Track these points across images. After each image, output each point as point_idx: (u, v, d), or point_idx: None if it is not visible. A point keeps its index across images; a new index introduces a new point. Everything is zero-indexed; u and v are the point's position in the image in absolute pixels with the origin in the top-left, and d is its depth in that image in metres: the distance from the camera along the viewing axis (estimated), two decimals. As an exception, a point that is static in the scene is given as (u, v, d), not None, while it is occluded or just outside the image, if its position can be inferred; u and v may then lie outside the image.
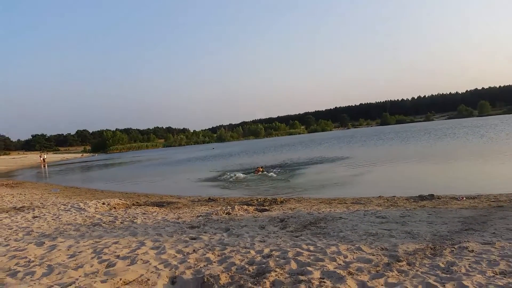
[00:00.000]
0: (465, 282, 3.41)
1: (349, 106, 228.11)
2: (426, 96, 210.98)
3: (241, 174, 19.33)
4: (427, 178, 13.98)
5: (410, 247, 4.72)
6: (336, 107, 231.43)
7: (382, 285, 3.52)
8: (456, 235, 5.29)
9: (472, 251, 4.42)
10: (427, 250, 4.60)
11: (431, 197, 9.34)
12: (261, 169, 20.27)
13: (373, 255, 4.47)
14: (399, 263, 4.12)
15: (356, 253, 4.62)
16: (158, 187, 17.99)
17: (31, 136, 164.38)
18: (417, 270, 3.86)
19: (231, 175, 19.39)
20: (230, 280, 3.90)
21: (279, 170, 20.58)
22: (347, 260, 4.35)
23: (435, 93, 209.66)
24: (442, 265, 3.97)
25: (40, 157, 66.06)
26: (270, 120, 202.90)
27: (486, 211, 6.99)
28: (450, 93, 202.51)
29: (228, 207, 8.96)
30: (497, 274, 3.62)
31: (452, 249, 4.57)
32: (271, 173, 18.99)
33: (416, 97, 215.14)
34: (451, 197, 9.22)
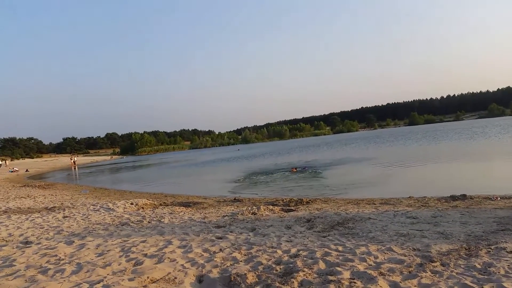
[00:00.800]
0: (505, 284, 3.22)
1: (375, 106, 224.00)
2: (456, 95, 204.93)
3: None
4: (458, 178, 13.52)
5: (444, 248, 4.53)
6: (362, 107, 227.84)
7: (415, 285, 3.38)
8: (492, 235, 5.05)
9: (511, 252, 4.20)
10: (462, 250, 4.40)
11: (464, 197, 9.01)
12: (295, 170, 20.70)
13: (405, 256, 4.31)
14: (433, 264, 3.96)
15: (387, 253, 4.47)
16: (185, 188, 18.15)
17: (62, 139, 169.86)
18: (451, 271, 3.69)
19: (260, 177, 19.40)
20: (257, 280, 3.84)
21: (307, 170, 20.48)
22: (377, 260, 4.21)
23: (465, 91, 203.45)
24: (479, 266, 3.78)
25: (71, 159, 68.25)
26: (294, 121, 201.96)
27: (523, 211, 6.66)
28: (481, 91, 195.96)
29: (254, 207, 8.92)
30: (540, 276, 3.41)
31: (489, 249, 4.35)
32: (303, 173, 19.03)
33: (445, 96, 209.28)
34: (484, 197, 8.86)
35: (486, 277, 3.49)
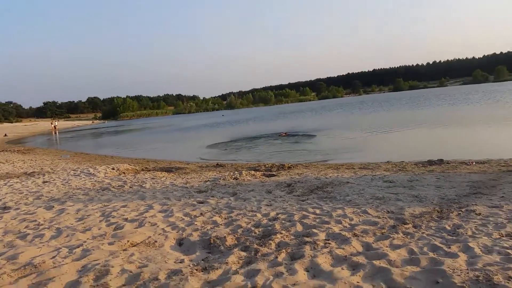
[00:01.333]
0: (470, 244, 3.38)
1: (362, 72, 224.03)
2: (442, 61, 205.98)
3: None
4: (437, 143, 13.83)
5: (417, 211, 4.70)
6: (348, 73, 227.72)
7: (387, 246, 3.52)
8: (464, 198, 5.25)
9: (479, 214, 4.39)
10: (434, 213, 4.58)
11: (440, 162, 9.25)
12: (284, 134, 21.08)
13: (379, 218, 4.46)
14: (405, 226, 4.11)
15: (362, 216, 4.62)
16: (167, 153, 18.10)
17: (43, 103, 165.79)
18: (423, 233, 3.85)
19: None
20: (236, 242, 3.94)
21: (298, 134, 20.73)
22: (352, 222, 4.36)
23: (451, 58, 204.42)
24: (448, 228, 3.95)
25: (51, 124, 66.78)
26: (280, 87, 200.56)
27: (495, 176, 6.91)
28: (466, 58, 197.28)
29: (236, 172, 9.00)
30: (503, 236, 3.58)
31: (459, 212, 4.53)
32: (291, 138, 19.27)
33: (431, 62, 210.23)
34: (461, 162, 9.11)
35: (454, 238, 3.65)
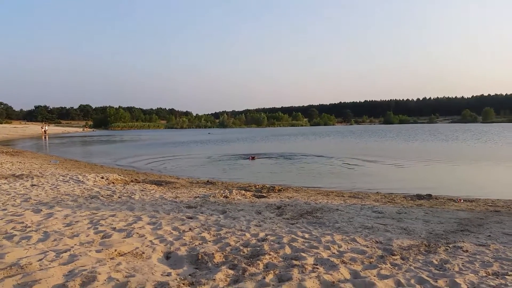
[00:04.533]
0: (457, 280, 3.42)
1: (353, 102, 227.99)
2: (432, 98, 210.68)
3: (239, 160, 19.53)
4: (425, 178, 13.99)
5: (405, 243, 4.74)
6: (340, 102, 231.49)
7: (374, 275, 3.54)
8: (452, 235, 5.31)
9: (467, 251, 4.44)
10: (422, 246, 4.62)
11: (429, 196, 9.37)
12: (254, 158, 20.64)
13: (367, 247, 4.49)
14: (393, 257, 4.15)
15: (351, 244, 4.65)
16: (157, 166, 18.00)
17: (34, 107, 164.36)
18: (410, 265, 3.88)
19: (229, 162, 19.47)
20: (224, 260, 3.93)
21: (278, 159, 20.68)
22: (341, 249, 4.38)
23: (440, 96, 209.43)
24: (436, 262, 3.99)
25: (42, 128, 66.11)
26: (273, 110, 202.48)
27: (482, 214, 7.01)
28: (455, 97, 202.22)
29: (226, 190, 9.00)
30: (489, 275, 3.63)
31: (447, 247, 4.59)
32: (269, 161, 19.10)
33: (421, 99, 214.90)
34: (449, 198, 9.24)
35: (441, 272, 3.69)
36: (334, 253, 4.25)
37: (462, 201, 8.86)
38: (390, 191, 10.40)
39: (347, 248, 4.44)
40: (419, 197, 9.36)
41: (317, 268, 3.67)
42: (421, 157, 21.23)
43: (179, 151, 28.48)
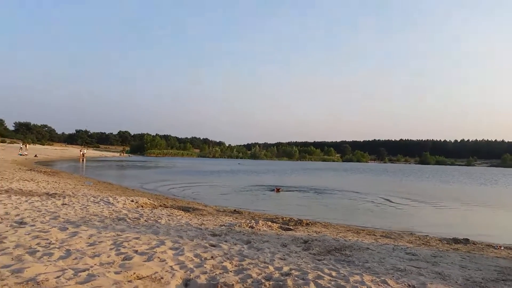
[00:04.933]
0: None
1: (388, 140, 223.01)
2: (470, 140, 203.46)
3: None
4: (463, 221, 13.24)
5: (440, 288, 4.38)
6: (374, 139, 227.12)
7: (406, 322, 3.25)
8: (492, 283, 4.87)
9: (510, 303, 4.03)
10: (459, 294, 4.25)
11: (466, 241, 8.77)
12: (279, 190, 20.37)
13: (399, 290, 4.17)
14: (427, 303, 3.81)
15: (381, 286, 4.33)
16: (186, 192, 18.09)
17: (75, 130, 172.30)
18: (446, 313, 3.55)
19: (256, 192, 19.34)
20: (244, 292, 3.75)
21: (307, 192, 20.31)
22: (370, 291, 4.08)
23: (479, 138, 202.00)
24: (475, 312, 3.63)
25: (80, 151, 68.78)
26: (305, 144, 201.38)
27: (527, 264, 6.44)
28: (496, 140, 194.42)
29: (252, 221, 8.81)
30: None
31: (487, 297, 4.19)
32: (299, 194, 18.80)
33: (459, 140, 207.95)
34: (488, 244, 8.62)
35: (481, 324, 3.34)
36: (363, 294, 3.96)
37: (502, 248, 8.23)
38: (425, 233, 9.84)
39: (377, 290, 4.13)
40: (456, 241, 8.78)
41: (343, 309, 3.41)
42: (459, 199, 20.24)
43: (210, 179, 28.64)
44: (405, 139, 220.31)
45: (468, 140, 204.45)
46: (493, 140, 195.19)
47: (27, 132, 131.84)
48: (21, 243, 4.90)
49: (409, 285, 4.44)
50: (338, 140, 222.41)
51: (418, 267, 5.45)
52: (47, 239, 5.24)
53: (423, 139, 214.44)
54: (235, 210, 11.72)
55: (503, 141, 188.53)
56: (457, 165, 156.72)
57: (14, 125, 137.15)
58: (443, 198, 20.71)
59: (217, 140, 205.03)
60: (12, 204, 8.48)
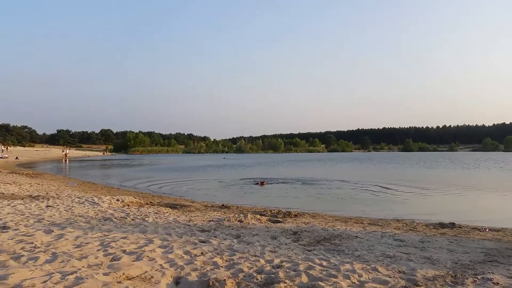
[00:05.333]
0: (490, 315, 3.12)
1: (371, 129, 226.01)
2: (452, 126, 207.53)
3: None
4: (447, 206, 13.47)
5: (429, 273, 4.43)
6: (358, 129, 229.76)
7: (398, 308, 3.27)
8: (479, 265, 4.95)
9: (497, 283, 4.11)
10: (447, 277, 4.30)
11: (452, 225, 8.93)
12: (264, 183, 20.17)
13: (390, 277, 4.20)
14: (417, 288, 3.85)
15: (372, 273, 4.36)
16: (173, 189, 17.94)
17: (56, 131, 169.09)
18: (437, 297, 3.59)
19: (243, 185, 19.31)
20: (236, 287, 3.72)
21: (294, 184, 20.39)
22: (361, 279, 4.10)
23: (461, 124, 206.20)
24: (465, 295, 3.68)
25: (63, 151, 67.78)
26: (290, 136, 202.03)
27: (511, 245, 6.59)
28: (476, 125, 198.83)
29: (241, 215, 8.79)
30: (526, 311, 3.31)
31: (475, 279, 4.26)
32: (285, 186, 18.83)
33: (441, 126, 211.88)
34: (473, 227, 8.79)
35: (471, 306, 3.38)
36: (355, 282, 3.98)
37: (487, 230, 8.41)
38: (412, 218, 9.98)
39: (368, 278, 4.16)
40: (442, 225, 8.93)
41: (336, 299, 3.41)
42: (442, 184, 20.60)
43: (195, 175, 28.48)
44: (388, 127, 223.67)
45: (450, 126, 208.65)
46: (474, 125, 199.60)
47: (7, 134, 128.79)
48: (4, 248, 4.76)
49: (399, 271, 4.48)
50: (323, 131, 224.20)
51: (407, 253, 5.52)
52: (32, 243, 5.11)
53: (406, 127, 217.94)
54: (223, 205, 11.67)
55: (483, 125, 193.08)
56: (439, 151, 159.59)
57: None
58: (427, 183, 21.05)
59: (202, 135, 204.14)
60: (-7, 208, 8.26)
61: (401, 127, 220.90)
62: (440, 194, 16.58)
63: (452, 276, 4.35)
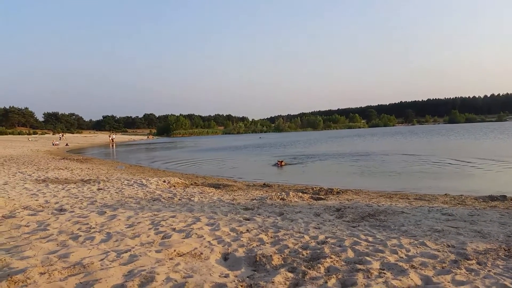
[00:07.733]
0: (549, 289, 3.00)
1: (415, 101, 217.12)
2: (501, 94, 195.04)
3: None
4: (498, 178, 12.84)
5: (480, 247, 4.29)
6: (401, 102, 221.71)
7: (448, 281, 3.21)
8: (535, 238, 4.73)
9: (557, 257, 3.92)
10: (500, 251, 4.15)
11: (503, 198, 8.52)
12: (283, 163, 18.96)
13: (439, 251, 4.12)
14: (468, 262, 3.75)
15: (420, 247, 4.29)
16: (215, 170, 18.32)
17: (102, 117, 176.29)
18: (489, 271, 3.49)
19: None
20: (282, 262, 3.80)
21: (332, 160, 20.15)
22: (409, 254, 4.05)
23: (510, 91, 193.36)
24: (520, 269, 3.55)
25: (109, 137, 70.61)
26: (329, 113, 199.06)
27: None
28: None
29: (283, 193, 8.85)
30: None
31: (531, 253, 4.08)
32: (324, 163, 18.59)
33: (489, 95, 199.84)
34: (527, 199, 8.34)
35: (527, 279, 3.26)
36: (402, 257, 3.94)
37: (543, 202, 7.96)
38: (460, 192, 9.62)
39: (416, 252, 4.10)
40: (492, 198, 8.54)
41: (384, 273, 3.40)
42: (493, 156, 19.58)
43: (236, 155, 28.85)
44: (433, 99, 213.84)
45: (499, 94, 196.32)
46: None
47: (56, 122, 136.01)
48: (63, 229, 5.11)
49: (449, 245, 4.38)
50: (363, 105, 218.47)
51: (456, 227, 5.36)
52: (87, 224, 5.44)
53: (451, 97, 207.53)
54: (264, 184, 11.79)
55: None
56: (487, 121, 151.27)
57: (43, 115, 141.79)
58: (475, 156, 20.09)
59: (240, 116, 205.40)
60: (51, 192, 8.84)
61: (446, 97, 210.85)
62: (490, 166, 15.79)
63: (505, 250, 4.19)
